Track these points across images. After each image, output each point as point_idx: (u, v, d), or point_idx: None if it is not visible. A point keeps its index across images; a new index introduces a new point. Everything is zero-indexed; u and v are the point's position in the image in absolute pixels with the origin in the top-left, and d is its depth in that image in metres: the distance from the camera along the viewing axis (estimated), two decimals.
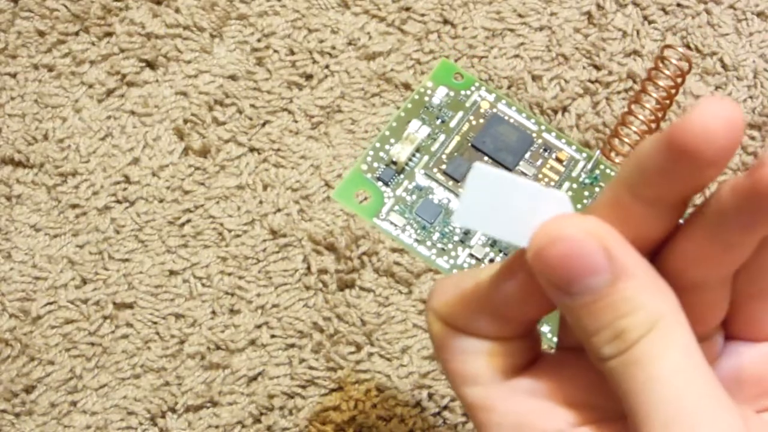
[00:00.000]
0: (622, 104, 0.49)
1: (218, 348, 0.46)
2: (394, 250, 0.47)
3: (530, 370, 0.24)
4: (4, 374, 0.46)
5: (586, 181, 0.33)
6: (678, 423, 0.19)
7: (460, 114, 0.34)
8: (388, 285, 0.46)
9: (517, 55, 0.51)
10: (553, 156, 0.33)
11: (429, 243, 0.32)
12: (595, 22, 0.51)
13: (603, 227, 0.21)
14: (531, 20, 0.52)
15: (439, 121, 0.34)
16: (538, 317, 0.23)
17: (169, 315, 0.47)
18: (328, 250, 0.47)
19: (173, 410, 0.45)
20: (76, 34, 0.53)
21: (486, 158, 0.33)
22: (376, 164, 0.33)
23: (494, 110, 0.34)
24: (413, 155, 0.33)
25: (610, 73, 0.50)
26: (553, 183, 0.33)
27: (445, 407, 0.44)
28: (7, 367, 0.46)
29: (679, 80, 0.35)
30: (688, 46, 0.51)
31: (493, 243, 0.32)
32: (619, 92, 0.50)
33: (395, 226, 0.32)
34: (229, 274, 0.47)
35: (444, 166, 0.33)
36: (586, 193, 0.33)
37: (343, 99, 0.51)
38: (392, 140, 0.33)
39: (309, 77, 0.51)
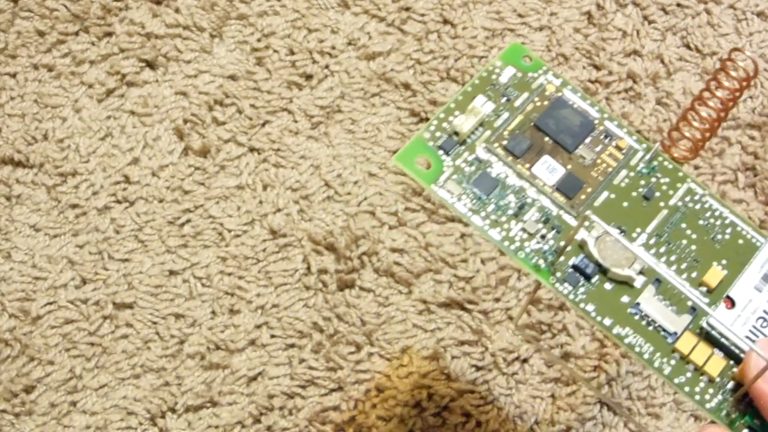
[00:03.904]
0: (622, 104, 0.49)
1: (218, 348, 0.46)
2: (394, 250, 0.47)
3: None
4: (4, 374, 0.46)
5: (644, 170, 0.33)
6: None
7: (526, 94, 0.35)
8: (388, 285, 0.46)
9: None
10: (614, 143, 0.34)
11: (483, 214, 0.32)
12: (595, 22, 0.51)
13: None
14: (531, 20, 0.52)
15: (505, 99, 0.34)
16: None
17: (169, 315, 0.47)
18: (328, 250, 0.47)
19: (173, 410, 0.45)
20: (76, 34, 0.53)
21: (547, 138, 0.33)
22: (438, 134, 0.33)
23: (559, 94, 0.35)
24: (476, 129, 0.34)
25: (610, 73, 0.50)
26: (610, 169, 0.33)
27: (445, 407, 0.44)
28: (7, 367, 0.46)
29: (744, 83, 0.36)
30: (687, 46, 0.51)
31: (546, 220, 0.32)
32: (619, 92, 0.50)
33: (451, 194, 0.33)
34: (229, 274, 0.47)
35: (505, 142, 0.33)
36: (642, 182, 0.33)
37: (343, 99, 0.51)
38: (456, 113, 0.34)
39: (309, 77, 0.51)
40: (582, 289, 0.31)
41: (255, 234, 0.48)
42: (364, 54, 0.51)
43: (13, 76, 0.52)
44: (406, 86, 0.51)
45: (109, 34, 0.53)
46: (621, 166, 0.33)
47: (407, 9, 0.52)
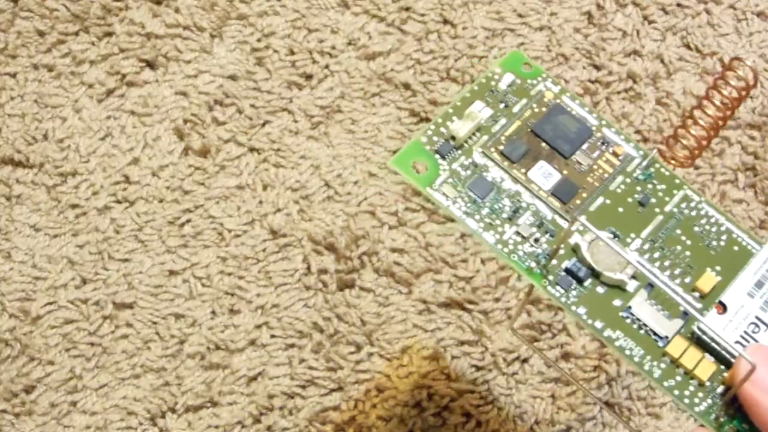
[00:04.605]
0: (622, 104, 0.49)
1: (218, 348, 0.46)
2: (394, 250, 0.47)
3: None
4: (4, 374, 0.46)
5: (640, 177, 0.33)
6: None
7: (524, 101, 0.35)
8: (388, 285, 0.46)
9: None
10: (611, 150, 0.34)
11: (477, 217, 0.33)
12: (595, 22, 0.51)
13: None
14: (531, 20, 0.52)
15: (503, 105, 0.35)
16: None
17: (169, 315, 0.47)
18: (328, 250, 0.47)
19: (173, 410, 0.45)
20: (76, 34, 0.53)
21: (543, 144, 0.34)
22: (435, 138, 0.34)
23: (557, 101, 0.35)
24: (473, 134, 0.34)
25: (610, 73, 0.50)
26: (606, 175, 0.33)
27: (445, 407, 0.44)
28: (7, 367, 0.46)
29: (743, 93, 0.36)
30: (687, 46, 0.51)
31: (540, 224, 0.33)
32: (619, 92, 0.50)
33: (446, 197, 0.33)
34: (229, 274, 0.47)
35: (501, 147, 0.34)
36: (638, 188, 0.33)
37: (343, 99, 0.51)
38: (454, 118, 0.34)
39: (309, 77, 0.51)
40: (574, 293, 0.31)
41: (255, 234, 0.48)
42: (364, 54, 0.51)
43: (13, 76, 0.52)
44: (406, 86, 0.51)
45: (109, 34, 0.53)
46: (617, 173, 0.33)
47: (407, 9, 0.52)
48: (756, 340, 0.29)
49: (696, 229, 0.32)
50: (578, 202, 0.32)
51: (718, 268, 0.31)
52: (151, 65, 0.52)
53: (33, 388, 0.46)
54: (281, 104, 0.51)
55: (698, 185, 0.47)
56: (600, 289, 0.31)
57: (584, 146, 0.34)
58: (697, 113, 0.37)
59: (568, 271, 0.31)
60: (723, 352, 0.29)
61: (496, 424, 0.43)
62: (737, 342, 0.29)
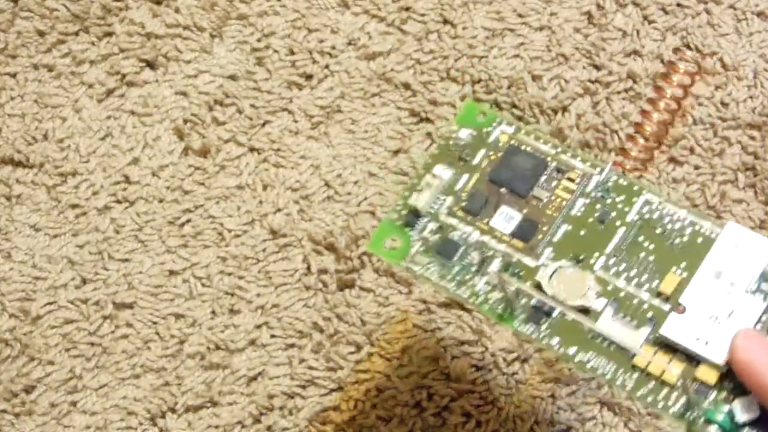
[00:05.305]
0: (622, 104, 0.49)
1: (218, 348, 0.46)
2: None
3: None
4: (4, 374, 0.46)
5: (599, 194, 0.34)
6: None
7: (482, 151, 0.36)
8: (388, 285, 0.46)
9: (517, 55, 0.51)
10: (566, 176, 0.34)
11: (449, 277, 0.34)
12: (595, 22, 0.51)
13: None
14: (531, 20, 0.52)
15: (461, 162, 0.36)
16: None
17: (169, 315, 0.47)
18: (328, 250, 0.47)
19: (173, 410, 0.45)
20: (76, 34, 0.53)
21: (502, 189, 0.34)
22: (404, 212, 0.35)
23: (513, 142, 0.35)
24: (437, 198, 0.35)
25: (610, 73, 0.50)
26: (565, 202, 0.34)
27: (445, 407, 0.44)
28: (7, 367, 0.46)
29: (687, 87, 0.36)
30: (688, 46, 0.51)
31: (507, 267, 0.33)
32: (619, 92, 0.50)
33: (420, 265, 0.34)
34: (229, 274, 0.47)
35: (464, 204, 0.35)
36: (598, 206, 0.33)
37: (343, 99, 0.51)
38: (414, 192, 0.35)
39: (309, 77, 0.51)
40: (545, 326, 0.32)
41: (255, 234, 0.48)
42: (364, 54, 0.51)
43: (13, 76, 0.52)
44: (406, 86, 0.51)
45: (109, 34, 0.53)
46: (577, 196, 0.34)
47: (407, 9, 0.52)
48: (717, 334, 0.30)
49: (658, 230, 0.32)
50: (540, 237, 0.33)
51: (683, 264, 0.31)
52: (151, 65, 0.52)
53: (33, 388, 0.46)
54: (281, 104, 0.51)
55: (698, 185, 0.47)
56: (569, 317, 0.32)
57: (542, 180, 0.34)
58: (642, 118, 0.37)
59: (535, 308, 0.32)
60: (687, 352, 0.30)
61: (496, 424, 0.43)
62: (697, 339, 0.30)
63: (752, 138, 0.48)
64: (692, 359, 0.30)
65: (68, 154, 0.50)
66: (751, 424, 0.29)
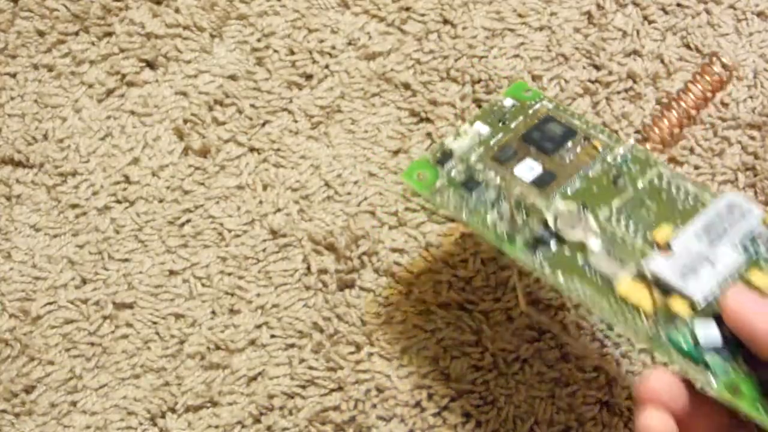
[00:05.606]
0: (622, 104, 0.49)
1: (218, 348, 0.46)
2: (394, 250, 0.47)
3: None
4: (4, 374, 0.46)
5: (617, 161, 0.37)
6: None
7: (521, 118, 0.40)
8: (388, 285, 0.46)
9: (517, 55, 0.51)
10: (591, 144, 0.38)
11: (464, 208, 0.38)
12: (595, 22, 0.51)
13: None
14: (531, 20, 0.52)
15: (501, 123, 0.40)
16: None
17: (169, 315, 0.47)
18: (328, 250, 0.47)
19: (173, 410, 0.45)
20: (76, 34, 0.53)
21: (531, 147, 0.39)
22: (438, 154, 0.40)
23: (549, 114, 0.40)
24: (473, 148, 0.40)
25: (610, 73, 0.50)
26: (585, 165, 0.37)
27: (445, 407, 0.44)
28: (7, 367, 0.46)
29: (717, 86, 0.41)
30: (687, 46, 0.51)
31: (519, 206, 0.37)
32: (619, 92, 0.50)
33: (441, 196, 0.39)
34: (229, 274, 0.47)
35: (493, 153, 0.39)
36: (614, 171, 0.37)
37: (343, 99, 0.51)
38: (453, 136, 0.40)
39: (309, 77, 0.51)
40: (541, 256, 0.35)
41: (255, 234, 0.48)
42: (364, 54, 0.51)
43: (13, 76, 0.52)
44: (406, 86, 0.51)
45: (109, 34, 0.53)
46: (597, 161, 0.38)
47: (407, 9, 0.52)
48: (699, 275, 0.32)
49: (663, 196, 0.35)
50: (555, 187, 0.37)
51: (679, 222, 0.34)
52: (151, 65, 0.52)
53: (33, 388, 0.46)
54: (281, 104, 0.51)
55: None
56: (567, 251, 0.35)
57: (568, 144, 0.39)
58: (672, 102, 0.41)
59: (536, 238, 0.36)
60: (668, 286, 0.32)
61: (496, 424, 0.44)
62: (677, 275, 0.32)
63: (752, 138, 0.48)
64: (669, 294, 0.32)
65: (68, 154, 0.50)
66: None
